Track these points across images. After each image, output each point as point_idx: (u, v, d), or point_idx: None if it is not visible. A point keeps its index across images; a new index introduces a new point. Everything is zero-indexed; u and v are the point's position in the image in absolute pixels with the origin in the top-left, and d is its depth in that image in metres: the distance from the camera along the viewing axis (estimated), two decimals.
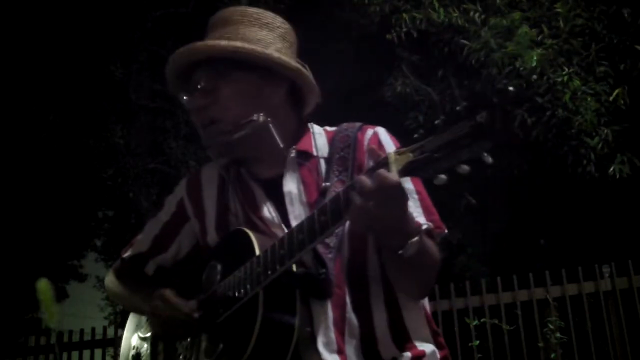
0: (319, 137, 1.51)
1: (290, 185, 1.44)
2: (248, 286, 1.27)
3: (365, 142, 1.44)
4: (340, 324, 1.33)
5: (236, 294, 1.29)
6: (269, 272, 1.23)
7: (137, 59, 7.79)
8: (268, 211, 1.44)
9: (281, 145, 1.44)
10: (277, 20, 1.53)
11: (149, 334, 1.57)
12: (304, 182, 1.44)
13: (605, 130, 5.42)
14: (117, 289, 1.66)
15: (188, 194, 1.61)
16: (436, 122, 1.03)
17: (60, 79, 7.93)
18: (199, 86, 1.47)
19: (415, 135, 1.07)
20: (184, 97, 1.50)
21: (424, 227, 1.36)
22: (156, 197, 7.43)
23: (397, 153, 1.08)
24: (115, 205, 9.23)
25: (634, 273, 5.53)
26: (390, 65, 6.45)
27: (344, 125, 1.52)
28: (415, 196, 1.40)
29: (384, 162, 1.09)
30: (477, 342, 5.06)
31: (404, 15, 5.74)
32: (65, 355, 6.28)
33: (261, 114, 1.43)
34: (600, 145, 5.41)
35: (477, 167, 1.00)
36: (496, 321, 5.31)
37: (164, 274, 1.60)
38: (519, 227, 7.61)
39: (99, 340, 6.41)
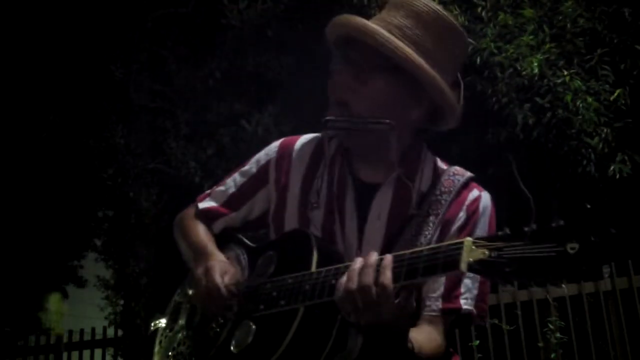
0: (426, 168, 1.46)
1: (381, 201, 1.41)
2: (291, 297, 1.26)
3: (466, 202, 1.40)
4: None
5: (279, 300, 1.28)
6: (316, 296, 1.22)
7: (137, 59, 7.78)
8: (350, 215, 1.42)
9: (392, 159, 1.40)
10: (457, 35, 1.45)
11: (192, 292, 1.56)
12: (393, 204, 1.41)
13: (606, 130, 5.42)
14: (180, 239, 1.63)
15: (277, 160, 1.56)
16: (526, 229, 0.97)
17: (60, 79, 7.94)
18: (352, 63, 1.40)
19: (499, 233, 1.00)
20: (336, 58, 1.42)
21: (466, 312, 1.34)
22: (156, 197, 7.43)
23: (475, 244, 1.03)
24: (115, 205, 9.22)
25: (634, 273, 5.53)
26: None
27: (455, 168, 1.47)
28: (478, 276, 1.33)
29: (457, 248, 1.05)
30: (477, 342, 5.06)
31: None
32: (65, 355, 6.29)
33: (391, 122, 1.37)
34: (600, 145, 5.41)
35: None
36: (496, 321, 5.31)
37: (230, 235, 1.58)
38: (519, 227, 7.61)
39: (99, 340, 6.42)
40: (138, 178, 7.47)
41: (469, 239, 1.05)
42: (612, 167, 5.42)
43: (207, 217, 1.61)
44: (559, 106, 5.44)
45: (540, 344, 5.21)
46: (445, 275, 1.10)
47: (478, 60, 5.50)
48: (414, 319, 1.30)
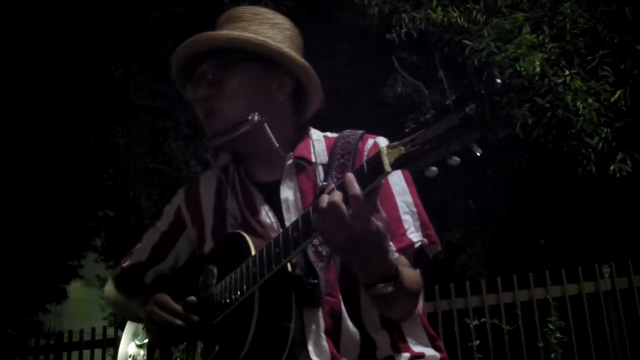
0: (318, 144, 1.51)
1: (287, 192, 1.44)
2: (244, 286, 1.27)
3: (366, 152, 1.44)
4: (335, 333, 1.33)
5: (232, 295, 1.29)
6: (265, 271, 1.23)
7: (137, 59, 7.79)
8: (267, 216, 1.44)
9: (276, 145, 1.44)
10: (287, 23, 1.54)
11: (145, 341, 1.57)
12: (301, 188, 1.44)
13: (606, 130, 5.43)
14: (115, 297, 1.67)
15: (186, 203, 1.62)
16: (426, 116, 1.05)
17: (60, 79, 7.93)
18: (204, 77, 1.47)
19: (407, 130, 1.07)
20: (189, 88, 1.50)
21: (418, 244, 1.37)
22: (156, 197, 7.43)
23: (389, 147, 1.08)
24: (116, 205, 9.22)
25: (634, 273, 5.53)
26: (390, 66, 6.45)
27: (346, 132, 1.52)
28: (414, 209, 1.40)
29: (376, 157, 1.10)
30: (477, 342, 5.06)
31: (404, 15, 5.74)
32: (65, 355, 6.29)
33: (256, 114, 1.43)
34: (600, 145, 5.42)
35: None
36: (496, 321, 5.32)
37: (163, 282, 1.60)
38: (519, 227, 7.62)
39: (99, 340, 6.41)
40: (138, 178, 7.47)
41: (382, 146, 1.10)
42: (612, 167, 5.42)
43: (134, 273, 1.65)
44: (559, 106, 5.44)
45: (540, 344, 5.21)
46: (374, 184, 1.10)
47: (475, 61, 5.50)
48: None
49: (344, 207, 1.10)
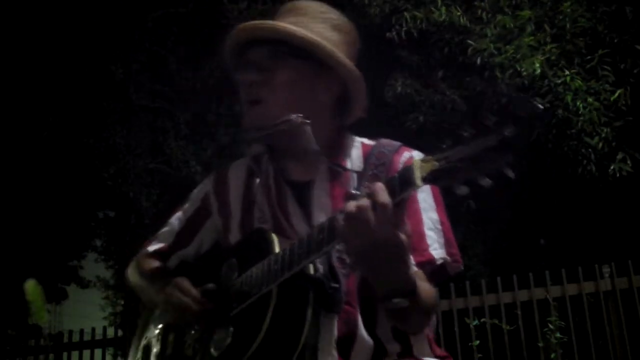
0: (355, 150, 1.50)
1: (320, 195, 1.44)
2: (263, 283, 1.27)
3: (400, 164, 1.43)
4: (347, 342, 1.32)
5: (251, 290, 1.30)
6: (286, 270, 1.23)
7: (137, 59, 7.79)
8: (296, 215, 1.44)
9: (315, 148, 1.44)
10: (348, 26, 1.53)
11: (160, 326, 1.57)
12: (332, 194, 1.43)
13: (606, 130, 5.43)
14: (138, 281, 1.66)
15: (214, 190, 1.60)
16: (465, 134, 1.04)
17: (60, 79, 7.93)
18: (255, 62, 1.45)
19: (444, 145, 1.06)
20: (237, 73, 1.48)
21: (440, 261, 1.36)
22: (156, 197, 7.43)
23: (423, 161, 1.08)
24: (116, 206, 9.23)
25: (634, 273, 5.53)
26: (391, 66, 6.45)
27: (384, 141, 1.50)
28: (439, 226, 1.40)
29: (408, 169, 1.09)
30: (477, 342, 5.06)
31: (405, 14, 5.74)
32: (65, 355, 6.30)
33: (299, 116, 1.41)
34: (600, 145, 5.42)
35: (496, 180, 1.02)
36: (496, 321, 5.32)
37: (186, 268, 1.59)
38: (519, 227, 7.62)
39: (99, 340, 6.41)
40: (138, 178, 7.47)
41: (416, 159, 1.09)
42: (612, 167, 5.42)
43: (159, 257, 1.64)
44: (559, 106, 5.44)
45: (540, 344, 5.21)
46: (403, 195, 1.10)
47: (478, 60, 5.50)
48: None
49: (371, 213, 1.10)
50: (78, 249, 11.09)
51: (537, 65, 5.29)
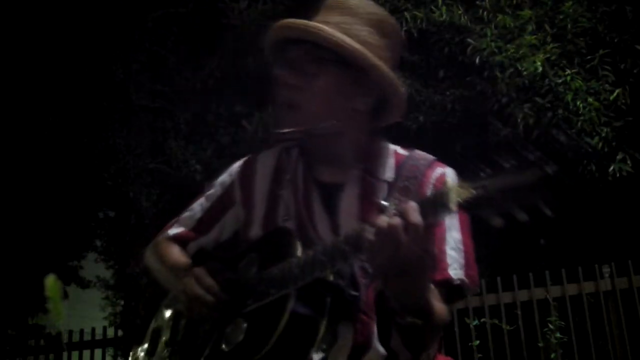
0: (388, 159, 1.48)
1: (348, 199, 1.43)
2: (282, 285, 1.27)
3: (432, 180, 1.41)
4: (359, 351, 1.32)
5: (268, 290, 1.29)
6: (307, 276, 1.23)
7: (137, 59, 7.79)
8: (320, 217, 1.42)
9: (351, 158, 1.43)
10: (392, 27, 1.50)
11: (171, 311, 1.57)
12: (361, 201, 1.42)
13: (606, 130, 5.43)
14: (155, 264, 1.64)
15: (240, 181, 1.57)
16: (506, 165, 1.03)
17: (60, 80, 7.94)
18: (294, 64, 1.42)
19: (482, 174, 1.06)
20: (276, 69, 1.44)
21: (457, 282, 1.36)
22: (156, 197, 7.43)
23: (460, 186, 1.07)
24: (116, 206, 9.23)
25: (634, 273, 5.53)
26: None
27: (417, 153, 1.48)
28: (461, 247, 1.39)
29: (444, 192, 1.08)
30: (477, 342, 5.06)
31: (405, 14, 5.73)
32: (65, 355, 6.30)
33: (335, 124, 1.40)
34: (600, 145, 5.42)
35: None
36: (496, 321, 5.32)
37: (204, 256, 1.58)
38: (519, 227, 7.61)
39: (99, 340, 6.42)
40: (138, 178, 7.47)
41: (450, 179, 1.11)
42: (612, 167, 5.42)
43: (178, 242, 1.62)
44: (560, 106, 5.44)
45: (540, 344, 5.21)
46: (436, 218, 1.11)
47: (477, 59, 5.50)
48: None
49: (402, 233, 1.10)
50: (78, 249, 11.07)
51: (539, 64, 5.29)
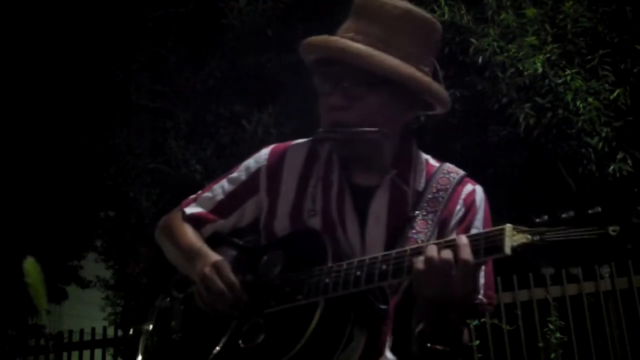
0: (420, 168, 1.48)
1: (379, 203, 1.42)
2: (311, 293, 1.26)
3: (462, 196, 1.43)
4: (370, 357, 1.33)
5: (295, 294, 1.28)
6: (340, 289, 1.22)
7: (137, 59, 7.79)
8: (351, 220, 1.42)
9: (385, 161, 1.43)
10: (428, 25, 1.47)
11: (181, 297, 1.53)
12: (390, 206, 1.42)
13: (606, 130, 5.42)
14: (168, 243, 1.59)
15: (267, 169, 1.54)
16: (564, 215, 1.02)
17: (60, 80, 7.94)
18: (340, 84, 1.39)
19: (537, 220, 1.04)
20: (321, 86, 1.42)
21: (477, 301, 1.36)
22: (156, 197, 7.43)
23: (515, 229, 1.06)
24: (116, 206, 9.23)
25: (634, 273, 5.52)
26: None
27: (448, 166, 1.49)
28: (483, 266, 1.37)
29: (499, 235, 1.08)
30: (477, 342, 5.05)
31: None
32: (65, 355, 6.29)
33: (385, 131, 1.39)
34: (600, 145, 5.41)
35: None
36: (496, 321, 5.31)
37: (220, 240, 1.55)
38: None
39: (99, 340, 6.41)
40: (138, 178, 7.47)
41: (508, 225, 1.07)
42: (612, 167, 5.42)
43: (194, 222, 1.58)
44: (560, 106, 5.44)
45: (540, 344, 5.21)
46: (488, 259, 1.11)
47: (480, 59, 5.50)
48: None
49: (454, 267, 1.10)
50: (78, 249, 11.07)
51: (539, 64, 5.28)
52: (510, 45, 5.45)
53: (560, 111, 5.44)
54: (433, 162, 1.51)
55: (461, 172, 1.47)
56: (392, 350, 1.35)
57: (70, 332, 6.48)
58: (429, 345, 1.19)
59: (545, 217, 1.04)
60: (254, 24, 6.46)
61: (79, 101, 7.96)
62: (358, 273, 1.21)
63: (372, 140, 1.39)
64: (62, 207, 9.23)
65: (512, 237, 1.05)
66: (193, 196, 1.62)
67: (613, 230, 0.96)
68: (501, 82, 5.52)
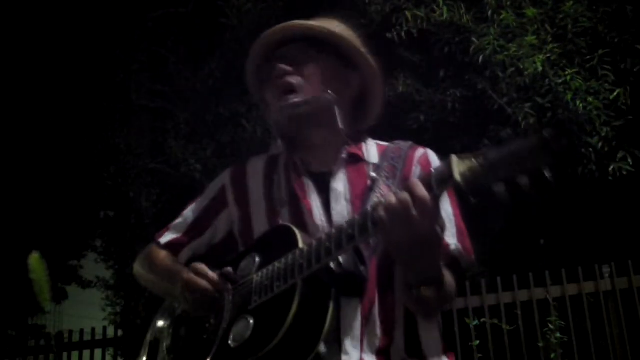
0: (371, 147, 1.59)
1: (338, 183, 1.50)
2: (288, 276, 1.28)
3: (415, 158, 1.52)
4: (365, 323, 1.36)
5: (274, 283, 1.31)
6: (314, 263, 1.25)
7: (137, 59, 7.79)
8: (315, 203, 1.48)
9: (340, 126, 1.52)
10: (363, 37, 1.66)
11: (169, 320, 1.57)
12: (351, 181, 1.50)
13: (606, 129, 5.42)
14: (147, 275, 1.66)
15: (232, 182, 1.63)
16: (502, 133, 1.10)
17: (60, 80, 7.94)
18: (285, 56, 1.55)
19: (481, 146, 1.09)
20: (274, 65, 1.55)
21: (452, 247, 1.41)
22: (156, 197, 7.43)
23: (460, 158, 1.10)
24: (116, 206, 9.23)
25: (634, 273, 5.52)
26: (391, 65, 6.45)
27: (397, 141, 1.60)
28: (452, 217, 1.46)
29: (446, 165, 1.12)
30: (477, 342, 5.05)
31: (406, 13, 5.72)
32: (65, 355, 6.29)
33: (332, 94, 1.52)
34: (600, 144, 5.41)
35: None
36: (496, 321, 5.31)
37: (200, 261, 1.58)
38: (519, 227, 7.61)
39: (99, 340, 6.41)
40: (138, 178, 7.47)
41: (453, 155, 1.12)
42: (612, 167, 5.41)
43: (171, 249, 1.64)
44: (560, 106, 5.44)
45: (540, 344, 5.21)
46: (441, 190, 1.15)
47: (480, 59, 5.49)
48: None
49: (413, 207, 1.14)
50: (78, 249, 11.08)
51: (539, 64, 5.28)
52: (510, 45, 5.45)
53: (560, 111, 5.44)
54: (383, 143, 1.62)
55: (409, 142, 1.59)
56: (379, 314, 1.37)
57: (70, 332, 6.48)
58: (414, 291, 1.24)
59: (485, 141, 1.13)
60: (253, 23, 6.46)
61: (79, 101, 7.96)
62: (327, 244, 1.24)
63: (322, 106, 1.52)
64: (62, 207, 9.24)
65: (459, 165, 1.09)
66: (164, 228, 1.70)
67: (547, 133, 1.01)
68: (501, 82, 5.52)
